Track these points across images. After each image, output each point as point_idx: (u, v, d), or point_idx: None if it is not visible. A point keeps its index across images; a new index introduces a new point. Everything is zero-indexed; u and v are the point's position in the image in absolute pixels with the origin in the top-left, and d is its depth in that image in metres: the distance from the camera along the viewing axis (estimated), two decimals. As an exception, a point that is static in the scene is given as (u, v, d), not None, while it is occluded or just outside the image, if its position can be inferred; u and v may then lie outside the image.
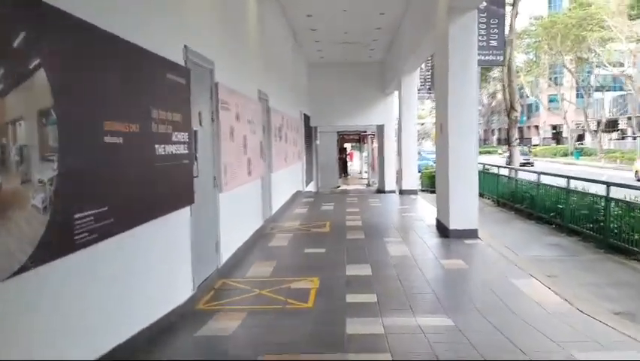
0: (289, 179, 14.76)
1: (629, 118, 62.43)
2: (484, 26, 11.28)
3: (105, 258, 3.64)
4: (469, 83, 9.01)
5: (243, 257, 7.67)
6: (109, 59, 3.68)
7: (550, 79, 69.77)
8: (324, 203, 14.59)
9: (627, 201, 7.79)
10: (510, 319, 4.94)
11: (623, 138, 64.92)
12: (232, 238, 7.43)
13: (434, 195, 18.24)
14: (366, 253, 7.95)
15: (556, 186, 10.39)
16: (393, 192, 21.77)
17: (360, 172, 42.87)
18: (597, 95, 64.06)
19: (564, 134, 77.34)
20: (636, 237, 7.38)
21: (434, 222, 10.40)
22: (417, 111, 16.66)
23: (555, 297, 5.60)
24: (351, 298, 5.67)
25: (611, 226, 7.97)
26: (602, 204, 8.44)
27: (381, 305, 5.39)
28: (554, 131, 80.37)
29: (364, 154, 40.22)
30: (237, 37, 8.36)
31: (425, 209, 12.94)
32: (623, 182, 8.35)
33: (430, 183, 21.54)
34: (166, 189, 4.71)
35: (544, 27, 53.86)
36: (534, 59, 64.37)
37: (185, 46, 5.56)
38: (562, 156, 60.30)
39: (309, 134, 22.41)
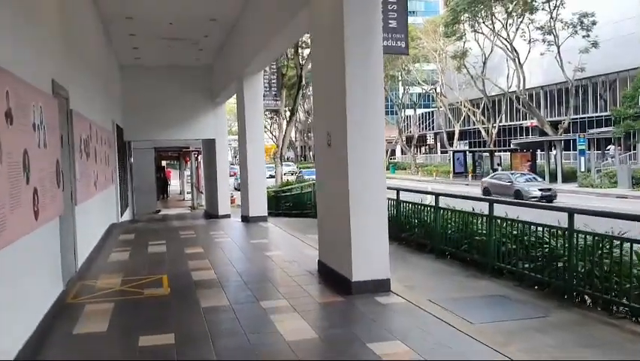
0: (101, 210, 11.00)
1: (436, 133, 66.27)
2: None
3: None
4: (375, 77, 6.40)
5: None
6: None
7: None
8: (151, 241, 11.00)
9: (601, 235, 5.68)
10: None
11: (431, 152, 68.82)
12: (4, 343, 3.90)
13: (286, 219, 15.58)
14: (247, 340, 4.85)
15: (466, 212, 8.18)
16: (229, 216, 18.81)
17: (181, 193, 38.87)
18: (408, 111, 67.06)
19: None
20: (626, 286, 5.27)
21: (315, 266, 7.62)
22: (262, 122, 13.83)
23: None
24: None
25: (579, 269, 5.82)
26: (560, 239, 6.27)
27: None
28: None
29: (187, 173, 36.40)
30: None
31: (290, 243, 10.06)
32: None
33: (274, 204, 18.86)
34: None
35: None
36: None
37: None
38: (378, 170, 61.59)
39: (123, 150, 18.50)
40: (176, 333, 5.02)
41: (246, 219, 13.47)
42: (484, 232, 7.53)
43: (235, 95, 16.76)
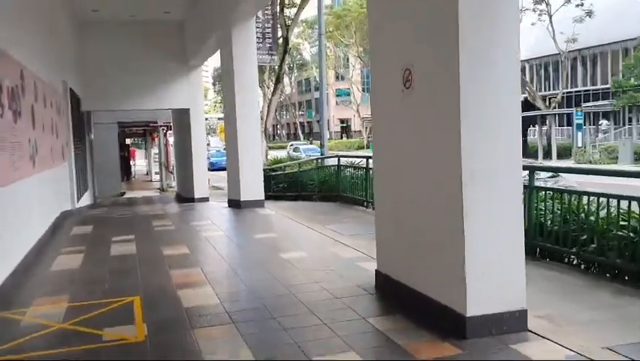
0: (44, 196, 8.14)
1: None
2: None
3: None
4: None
5: None
6: None
7: (337, 74, 69.02)
8: (115, 235, 8.15)
9: None
10: None
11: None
12: None
13: (285, 203, 12.52)
14: None
15: (590, 193, 5.51)
16: (207, 200, 16.08)
17: (148, 174, 35.64)
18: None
19: (353, 128, 77.81)
20: None
21: (366, 277, 4.99)
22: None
23: None
24: None
25: None
26: None
27: None
28: (343, 125, 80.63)
29: (154, 151, 33.13)
30: None
31: (309, 239, 7.32)
32: None
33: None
34: None
35: (336, 16, 51.89)
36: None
37: None
38: (357, 149, 59.23)
39: (81, 122, 15.51)
40: None
41: (236, 204, 10.69)
42: (634, 225, 4.92)
43: (219, 52, 13.91)
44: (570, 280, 5.19)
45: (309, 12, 38.39)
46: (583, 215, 5.49)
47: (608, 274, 5.19)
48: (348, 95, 65.31)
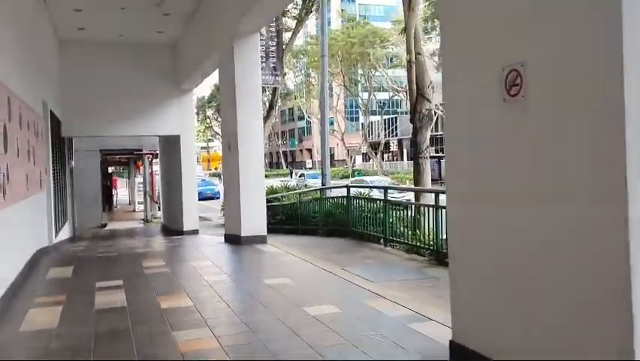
0: (15, 233, 6.92)
1: (400, 140, 63.46)
2: None
3: None
4: None
5: None
6: None
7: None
8: (100, 280, 6.89)
9: None
10: None
11: (394, 159, 65.92)
12: None
13: (286, 238, 11.09)
14: None
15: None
16: (197, 232, 14.93)
17: (131, 203, 34.17)
18: (372, 117, 64.23)
19: (336, 157, 77.06)
20: None
21: (434, 349, 3.92)
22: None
23: None
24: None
25: None
26: None
27: None
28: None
29: (138, 180, 31.77)
30: None
31: (333, 287, 6.13)
32: None
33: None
34: None
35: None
36: (307, 80, 62.40)
37: None
38: (342, 177, 58.18)
39: (62, 149, 14.30)
40: None
41: (234, 239, 9.50)
42: None
43: (208, 78, 12.93)
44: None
45: (295, 42, 37.71)
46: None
47: None
48: (332, 124, 64.63)
